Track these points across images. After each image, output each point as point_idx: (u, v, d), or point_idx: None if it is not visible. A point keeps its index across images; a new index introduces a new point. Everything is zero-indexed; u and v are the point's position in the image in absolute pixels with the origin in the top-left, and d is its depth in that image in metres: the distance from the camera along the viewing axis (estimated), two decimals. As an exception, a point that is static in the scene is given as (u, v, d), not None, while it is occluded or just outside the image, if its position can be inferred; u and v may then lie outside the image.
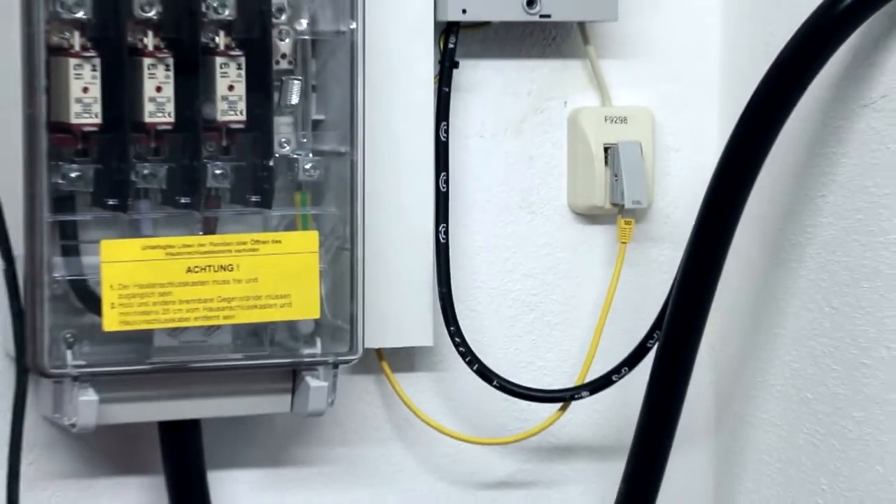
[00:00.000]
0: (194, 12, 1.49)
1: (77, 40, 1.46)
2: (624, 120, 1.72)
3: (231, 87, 1.49)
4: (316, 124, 1.57)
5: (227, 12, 1.48)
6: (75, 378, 1.46)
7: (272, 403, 1.58)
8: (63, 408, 1.48)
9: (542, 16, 1.63)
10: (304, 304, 1.53)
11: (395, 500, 1.73)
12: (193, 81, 1.49)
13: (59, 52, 1.45)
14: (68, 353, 1.45)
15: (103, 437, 1.58)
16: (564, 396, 1.69)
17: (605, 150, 1.70)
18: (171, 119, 1.47)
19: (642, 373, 1.65)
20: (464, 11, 1.60)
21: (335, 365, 1.55)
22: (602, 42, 1.73)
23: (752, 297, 1.76)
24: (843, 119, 1.59)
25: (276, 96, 1.53)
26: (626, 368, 1.68)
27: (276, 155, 1.52)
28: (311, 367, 1.54)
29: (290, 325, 1.56)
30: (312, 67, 1.57)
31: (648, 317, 1.68)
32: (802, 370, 1.70)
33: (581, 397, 1.69)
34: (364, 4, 1.52)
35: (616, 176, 1.69)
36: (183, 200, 1.50)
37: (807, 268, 1.68)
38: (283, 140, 1.54)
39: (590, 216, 1.75)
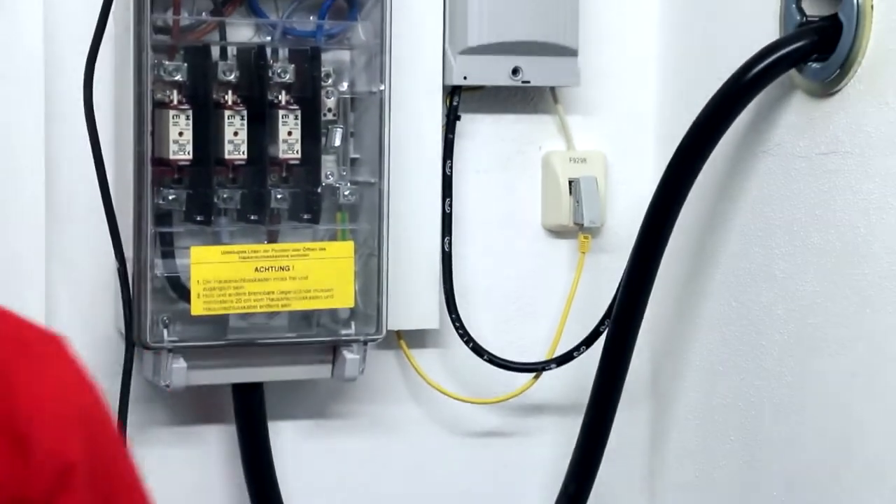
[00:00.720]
0: (263, 77, 1.52)
1: (175, 97, 1.49)
2: (584, 160, 1.73)
3: (290, 133, 1.52)
4: (353, 161, 1.58)
5: (287, 77, 1.51)
6: (169, 350, 1.50)
7: (317, 371, 1.61)
8: (160, 372, 1.51)
9: (523, 81, 1.65)
10: (342, 296, 1.55)
11: (408, 445, 1.73)
12: (261, 128, 1.52)
13: (161, 105, 1.48)
14: (165, 332, 1.49)
15: (190, 395, 1.60)
16: (537, 368, 1.70)
17: (570, 182, 1.70)
18: (245, 156, 1.51)
19: (596, 350, 1.66)
20: (465, 78, 1.63)
21: (365, 342, 1.58)
22: (568, 101, 1.74)
23: (678, 294, 1.76)
24: (746, 161, 1.63)
25: (323, 140, 1.55)
26: (584, 347, 1.70)
27: (323, 184, 1.55)
28: (347, 343, 1.57)
29: (332, 312, 1.58)
30: (351, 118, 1.59)
31: (601, 308, 1.69)
32: (715, 349, 1.72)
33: (550, 368, 1.70)
34: (390, 71, 1.55)
35: (577, 202, 1.70)
36: (252, 217, 1.53)
37: (719, 272, 1.71)
38: (329, 173, 1.55)
39: (557, 232, 1.74)
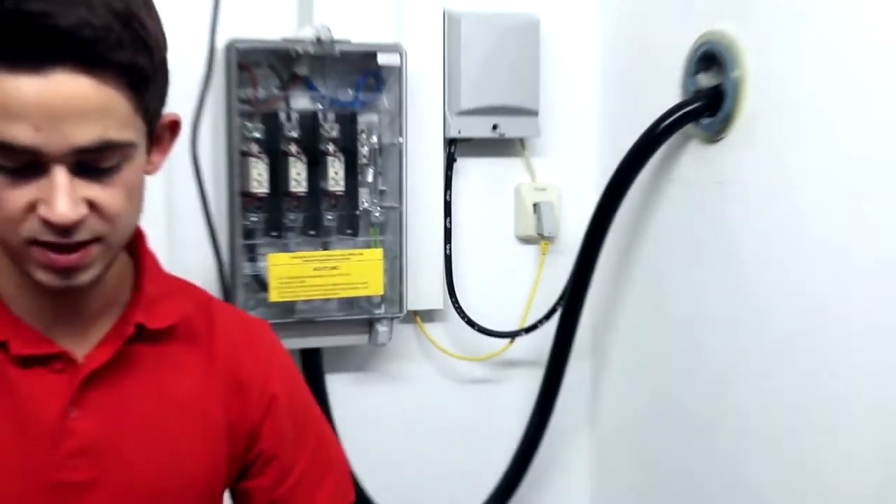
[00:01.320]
0: (316, 134, 1.56)
1: (255, 148, 1.53)
2: (544, 189, 1.75)
3: (336, 173, 1.56)
4: (381, 192, 1.62)
5: (333, 133, 1.56)
6: None
7: (357, 339, 1.65)
8: None
9: (500, 134, 1.68)
10: (375, 287, 1.61)
11: (420, 390, 1.74)
12: (316, 170, 1.57)
13: (245, 154, 1.53)
14: (251, 312, 1.50)
15: None
16: (512, 335, 1.74)
17: (534, 205, 1.73)
18: (305, 189, 1.55)
19: (553, 323, 1.71)
20: (459, 132, 1.66)
21: (391, 319, 1.63)
22: (532, 148, 1.76)
23: (610, 282, 1.77)
24: (659, 188, 1.66)
25: (359, 177, 1.59)
26: (545, 320, 1.74)
27: (360, 208, 1.60)
28: (379, 320, 1.62)
29: (368, 298, 1.62)
30: (379, 161, 1.62)
31: (556, 293, 1.73)
32: (636, 322, 1.75)
33: (521, 335, 1.75)
34: (406, 128, 1.59)
35: (539, 219, 1.73)
36: (311, 232, 1.58)
37: (639, 267, 1.73)
38: (363, 200, 1.60)
39: (525, 240, 1.77)
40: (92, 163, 0.87)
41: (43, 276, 0.91)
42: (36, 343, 0.98)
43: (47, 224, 0.86)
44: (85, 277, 0.93)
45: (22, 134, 0.83)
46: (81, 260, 0.90)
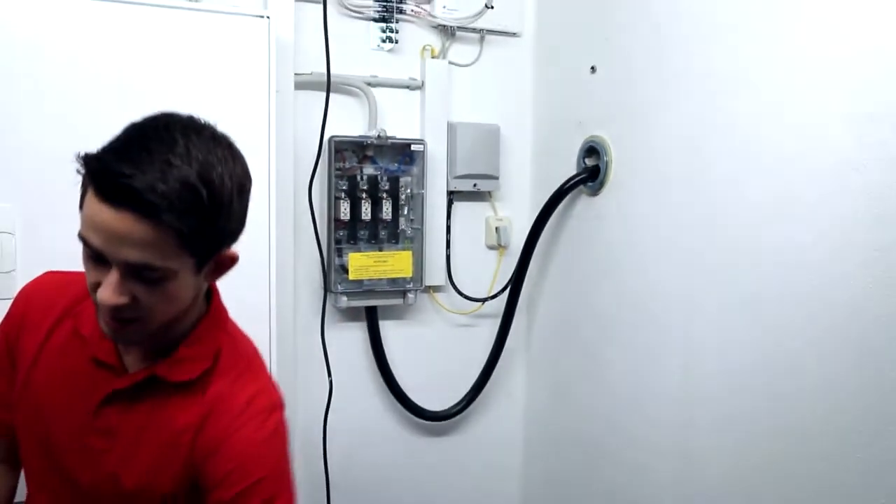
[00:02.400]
0: (376, 186, 1.57)
1: (343, 194, 1.54)
2: (501, 220, 1.75)
3: (386, 209, 1.58)
4: (411, 219, 1.61)
5: (386, 187, 1.58)
6: (340, 293, 1.57)
7: (397, 301, 1.64)
8: (337, 301, 1.57)
9: (477, 189, 1.70)
10: (407, 272, 1.62)
11: (432, 330, 1.71)
12: (376, 206, 1.57)
13: (337, 198, 1.54)
14: (339, 286, 1.56)
15: (348, 310, 1.61)
16: (483, 300, 1.73)
17: (496, 228, 1.74)
18: (369, 218, 1.57)
19: (506, 294, 1.69)
20: (455, 187, 1.67)
21: (416, 290, 1.64)
22: (495, 196, 1.75)
23: (536, 274, 1.73)
24: (564, 222, 1.65)
25: (399, 211, 1.60)
26: (501, 292, 1.72)
27: (399, 228, 1.61)
28: (409, 290, 1.64)
29: (403, 278, 1.61)
30: (411, 202, 1.61)
31: (507, 276, 1.70)
32: (550, 296, 1.72)
33: (488, 300, 1.74)
34: (426, 185, 1.62)
35: (499, 236, 1.73)
36: (372, 241, 1.59)
37: (554, 267, 1.70)
38: (401, 224, 1.61)
39: (491, 248, 1.76)
40: (138, 273, 0.76)
41: (104, 327, 0.80)
42: (106, 353, 0.86)
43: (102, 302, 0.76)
44: (126, 341, 0.83)
45: (96, 241, 0.74)
46: (121, 330, 0.79)
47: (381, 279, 1.61)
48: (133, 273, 0.76)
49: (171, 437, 0.85)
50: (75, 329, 0.87)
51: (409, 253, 1.63)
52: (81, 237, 0.76)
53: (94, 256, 0.76)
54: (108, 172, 0.72)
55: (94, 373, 0.86)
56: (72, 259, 1.07)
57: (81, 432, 0.86)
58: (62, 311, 0.89)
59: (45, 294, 0.92)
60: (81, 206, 0.77)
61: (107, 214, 0.73)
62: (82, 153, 0.75)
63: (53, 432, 0.87)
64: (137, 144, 0.74)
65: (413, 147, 1.60)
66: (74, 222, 1.09)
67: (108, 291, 0.75)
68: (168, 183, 0.72)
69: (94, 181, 0.74)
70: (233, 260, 0.85)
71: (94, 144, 1.15)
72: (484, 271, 1.77)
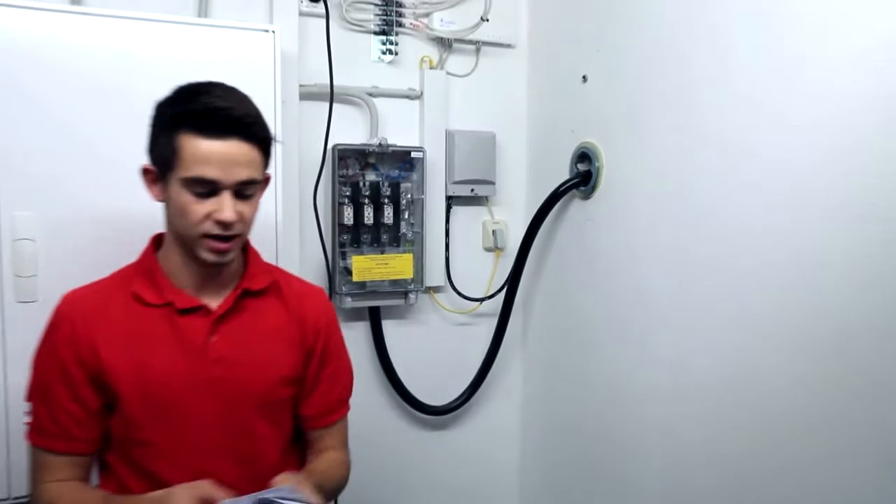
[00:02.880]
0: (378, 192, 1.56)
1: (346, 200, 1.54)
2: (497, 223, 1.75)
3: (388, 213, 1.57)
4: (412, 223, 1.61)
5: (388, 193, 1.57)
6: (345, 293, 1.56)
7: (399, 301, 1.64)
8: (342, 302, 1.55)
9: (475, 194, 1.69)
10: (408, 274, 1.61)
11: (432, 329, 1.71)
12: (378, 211, 1.56)
13: (341, 203, 1.54)
14: (343, 287, 1.56)
15: (353, 311, 1.59)
16: (481, 299, 1.73)
17: (493, 231, 1.73)
18: (371, 222, 1.56)
19: (503, 294, 1.69)
20: (453, 192, 1.67)
21: (417, 291, 1.63)
22: (491, 201, 1.75)
23: (531, 275, 1.72)
24: (559, 223, 1.64)
25: (400, 216, 1.59)
26: (498, 292, 1.71)
27: (400, 232, 1.60)
28: (410, 291, 1.63)
29: (404, 280, 1.60)
30: (411, 207, 1.61)
31: (503, 277, 1.70)
32: (545, 296, 1.71)
33: (485, 300, 1.73)
34: (426, 190, 1.61)
35: (496, 238, 1.73)
36: (375, 244, 1.58)
37: (548, 268, 1.70)
38: (402, 228, 1.60)
39: (488, 250, 1.75)
40: (242, 190, 0.92)
41: (208, 256, 0.93)
42: (188, 301, 0.97)
43: (219, 223, 0.90)
44: (227, 258, 0.96)
45: (210, 172, 0.88)
46: (225, 249, 0.93)
47: (383, 281, 1.61)
48: (238, 191, 0.91)
49: (277, 332, 1.02)
50: (139, 304, 0.97)
51: (410, 255, 1.63)
52: (191, 179, 0.89)
53: (200, 192, 0.90)
54: (213, 110, 0.88)
55: (180, 325, 0.97)
56: (88, 263, 1.13)
57: (199, 374, 0.96)
58: (110, 310, 0.97)
59: (80, 307, 0.97)
60: (159, 179, 0.93)
61: (217, 146, 0.88)
62: (176, 113, 0.90)
63: (174, 396, 0.95)
64: (212, 90, 0.91)
65: (413, 154, 1.61)
66: (90, 228, 1.14)
67: (228, 210, 0.90)
68: (251, 110, 0.92)
69: (200, 119, 0.88)
70: (268, 181, 1.00)
71: (109, 154, 1.18)
72: (481, 272, 1.78)
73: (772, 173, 1.12)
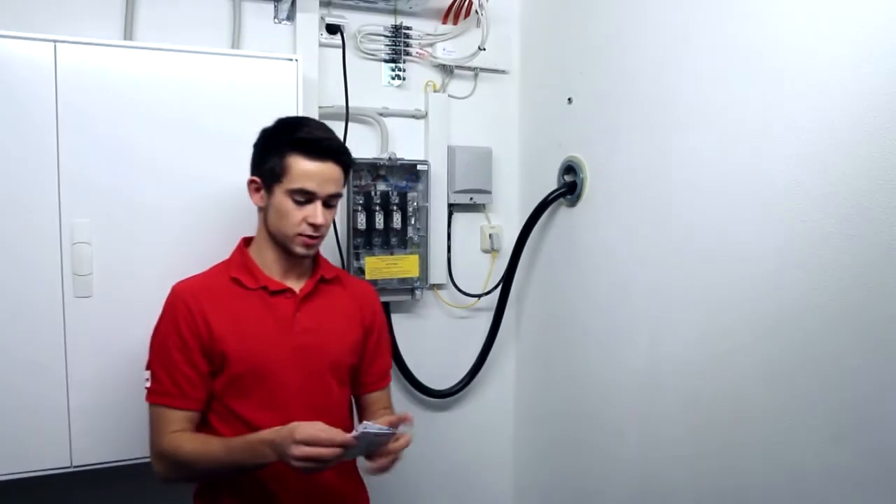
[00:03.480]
0: (388, 201, 1.59)
1: (360, 208, 1.57)
2: (494, 228, 1.76)
3: (397, 219, 1.60)
4: (418, 228, 1.63)
5: (397, 201, 1.60)
6: None
7: (406, 297, 1.67)
8: None
9: (473, 202, 1.71)
10: (414, 273, 1.63)
11: (434, 322, 1.72)
12: (388, 218, 1.59)
13: (354, 210, 1.56)
14: None
15: None
16: (479, 295, 1.74)
17: (489, 235, 1.75)
18: (382, 227, 1.58)
19: (498, 290, 1.70)
20: (454, 201, 1.68)
21: (422, 288, 1.66)
22: (488, 208, 1.76)
23: (524, 274, 1.74)
24: (546, 230, 1.65)
25: (408, 221, 1.62)
26: (495, 288, 1.72)
27: (408, 236, 1.62)
28: (416, 288, 1.66)
29: (411, 278, 1.62)
30: (418, 213, 1.63)
31: (499, 276, 1.71)
32: (537, 293, 1.72)
33: (483, 295, 1.74)
34: (430, 198, 1.64)
35: (492, 241, 1.75)
36: (385, 246, 1.60)
37: (538, 268, 1.71)
38: (409, 232, 1.61)
39: (485, 251, 1.77)
40: (329, 201, 1.08)
41: (301, 250, 1.08)
42: (279, 285, 1.11)
43: (311, 225, 1.06)
44: (313, 251, 1.11)
45: (311, 185, 1.05)
46: (312, 245, 1.09)
47: (392, 279, 1.64)
48: (326, 202, 1.07)
49: (344, 312, 1.15)
50: (239, 288, 1.09)
51: (416, 256, 1.65)
52: (296, 190, 1.04)
53: (301, 200, 1.04)
54: (316, 140, 1.04)
55: (272, 304, 1.09)
56: (136, 264, 1.26)
57: (289, 341, 1.08)
58: (215, 293, 1.09)
59: (191, 291, 1.09)
60: (263, 188, 1.07)
61: (318, 166, 1.04)
62: (287, 139, 1.05)
63: (270, 358, 1.06)
64: (310, 123, 1.08)
65: (419, 167, 1.64)
66: (137, 233, 1.23)
67: (320, 216, 1.05)
68: (341, 142, 1.09)
69: (309, 146, 1.03)
70: (341, 195, 1.15)
71: (152, 172, 1.26)
72: (479, 271, 1.80)
73: (738, 179, 1.13)
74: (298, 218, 1.06)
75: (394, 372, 1.71)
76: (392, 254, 1.63)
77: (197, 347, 1.07)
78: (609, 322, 1.46)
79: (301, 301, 1.12)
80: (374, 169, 1.61)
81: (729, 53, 1.15)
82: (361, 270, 1.61)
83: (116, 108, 1.23)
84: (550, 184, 1.64)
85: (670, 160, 1.29)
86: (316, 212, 1.06)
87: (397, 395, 1.74)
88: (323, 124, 1.10)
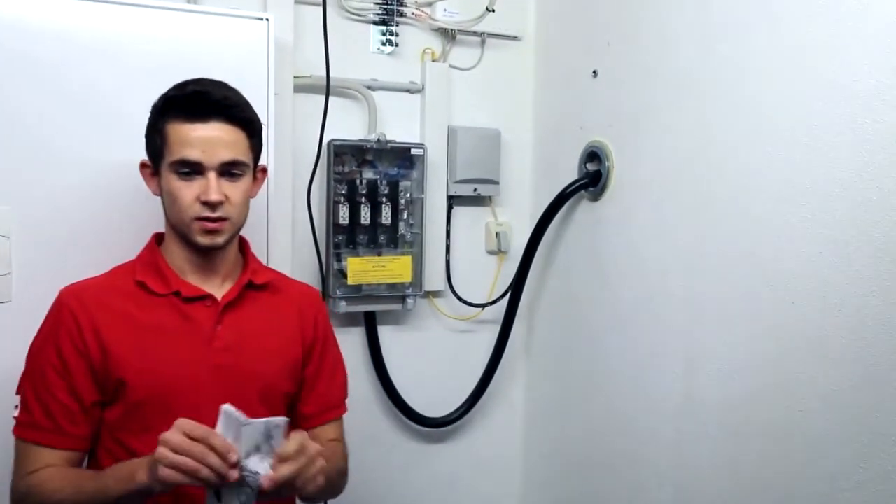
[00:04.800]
0: (376, 191, 1.56)
1: (342, 199, 1.54)
2: (501, 225, 1.75)
3: (386, 213, 1.57)
4: (410, 224, 1.61)
5: (386, 191, 1.57)
6: (339, 298, 1.55)
7: (396, 306, 1.64)
8: (336, 306, 1.55)
9: (477, 194, 1.70)
10: (406, 277, 1.60)
11: (431, 335, 1.71)
12: (375, 211, 1.57)
13: (336, 202, 1.54)
14: (338, 290, 1.55)
15: (347, 315, 1.58)
16: (483, 305, 1.72)
17: (496, 234, 1.73)
18: (368, 222, 1.56)
19: (506, 300, 1.69)
20: (455, 192, 1.67)
21: (415, 295, 1.63)
22: (495, 201, 1.75)
23: (537, 280, 1.72)
24: (565, 226, 1.65)
25: (399, 216, 1.59)
26: (501, 297, 1.71)
27: (399, 233, 1.60)
28: (408, 296, 1.63)
29: (402, 283, 1.60)
30: (410, 206, 1.61)
31: (507, 282, 1.69)
32: (550, 303, 1.72)
33: (487, 305, 1.73)
34: (426, 189, 1.61)
35: (499, 241, 1.73)
36: (371, 245, 1.58)
37: (553, 272, 1.70)
38: (401, 228, 1.60)
39: (491, 253, 1.75)
40: (230, 171, 0.98)
41: (201, 238, 0.99)
42: (195, 290, 1.03)
43: (205, 203, 0.96)
44: (219, 240, 1.00)
45: (194, 154, 0.95)
46: (220, 226, 0.99)
47: (379, 284, 1.61)
48: (223, 172, 0.97)
49: (279, 324, 1.08)
50: (145, 293, 1.02)
51: (409, 258, 1.63)
52: (177, 162, 0.96)
53: (187, 174, 0.96)
54: (194, 95, 0.95)
55: (187, 314, 1.02)
56: (66, 263, 1.14)
57: (206, 360, 1.00)
58: (114, 299, 1.01)
59: (80, 298, 0.99)
60: (155, 172, 1.00)
61: (200, 129, 0.95)
62: (159, 100, 0.98)
63: (180, 381, 0.99)
64: (196, 80, 0.99)
65: (413, 151, 1.61)
66: (70, 226, 1.14)
67: (213, 191, 0.96)
68: (231, 94, 0.99)
69: (183, 105, 0.95)
70: (264, 173, 1.10)
71: (92, 147, 1.20)
72: (484, 277, 1.78)
73: (796, 172, 1.11)
74: (190, 197, 0.98)
75: (379, 395, 1.69)
76: (380, 254, 1.60)
77: (82, 372, 0.97)
78: (637, 340, 1.44)
79: (223, 310, 1.04)
80: (360, 153, 1.58)
81: (783, 21, 1.12)
82: (343, 273, 1.58)
83: (39, 71, 1.16)
84: (570, 173, 1.62)
85: (713, 147, 1.26)
86: (208, 186, 0.96)
87: (383, 423, 1.71)
88: (219, 81, 1.00)
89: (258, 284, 1.09)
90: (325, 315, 1.18)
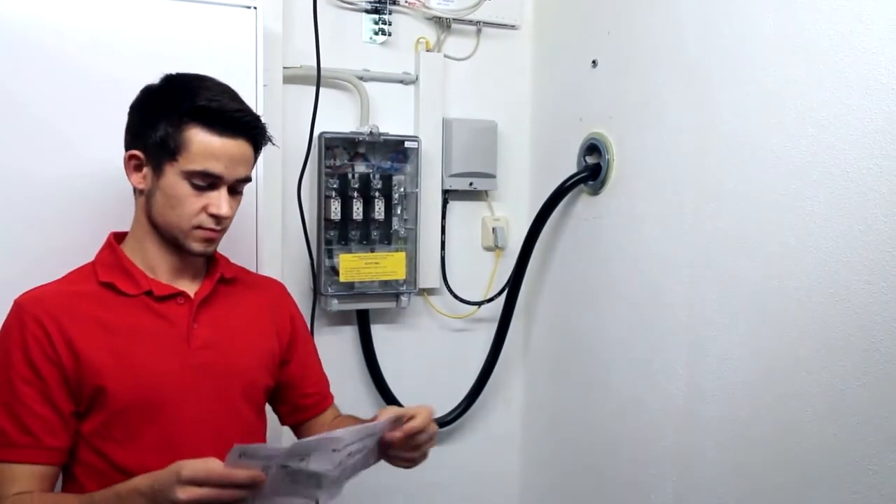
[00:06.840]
0: (368, 185, 1.57)
1: (333, 193, 1.54)
2: (498, 220, 1.76)
3: (379, 208, 1.58)
4: (405, 219, 1.62)
5: (379, 186, 1.58)
6: (331, 295, 1.56)
7: (390, 304, 1.64)
8: (328, 304, 1.56)
9: (473, 188, 1.70)
10: (400, 274, 1.61)
11: (425, 334, 1.71)
12: (368, 206, 1.57)
13: (327, 197, 1.54)
14: (329, 288, 1.56)
15: (339, 314, 1.59)
16: (479, 303, 1.74)
17: (493, 229, 1.74)
18: (361, 217, 1.56)
19: (503, 297, 1.70)
20: (450, 186, 1.67)
21: (409, 293, 1.64)
22: (492, 195, 1.75)
23: (535, 277, 1.73)
24: (564, 221, 1.65)
25: (392, 211, 1.60)
26: (497, 295, 1.73)
27: (392, 229, 1.61)
28: (402, 293, 1.63)
29: (396, 280, 1.61)
30: (404, 202, 1.61)
31: (504, 279, 1.72)
32: (549, 301, 1.72)
33: (483, 303, 1.74)
34: (420, 183, 1.61)
35: (496, 237, 1.74)
36: (364, 242, 1.59)
37: (552, 269, 1.71)
38: (394, 224, 1.61)
39: (488, 249, 1.76)
40: (236, 187, 1.00)
41: (198, 247, 0.99)
42: (167, 288, 1.02)
43: (213, 216, 0.98)
44: (213, 248, 1.03)
45: (217, 167, 0.96)
46: (212, 241, 1.01)
47: (372, 281, 1.62)
48: (233, 188, 1.00)
49: (253, 319, 1.09)
50: (114, 295, 1.00)
51: (403, 254, 1.63)
52: (197, 172, 0.96)
53: (202, 185, 0.97)
54: (226, 111, 0.96)
55: (161, 313, 1.01)
56: (43, 261, 1.09)
57: (186, 360, 1.00)
58: (81, 303, 0.98)
59: (44, 305, 0.96)
60: (161, 166, 0.97)
61: (229, 146, 0.97)
62: (188, 107, 0.96)
63: (162, 384, 0.98)
64: (221, 89, 0.99)
65: (406, 144, 1.61)
66: (40, 220, 1.15)
67: (225, 205, 0.99)
68: (253, 112, 1.01)
69: (216, 119, 0.95)
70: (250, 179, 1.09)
71: (74, 142, 1.18)
72: (480, 273, 1.78)
73: (800, 166, 1.11)
74: (197, 207, 0.98)
75: (372, 395, 1.69)
76: (373, 251, 1.61)
77: (56, 381, 0.94)
78: (638, 336, 1.45)
79: (198, 307, 1.04)
80: (352, 146, 1.58)
81: (791, 13, 1.12)
82: (335, 270, 1.58)
83: (21, 61, 1.16)
84: (569, 166, 1.62)
85: (717, 139, 1.26)
86: (220, 200, 0.98)
87: (377, 425, 1.70)
88: (227, 88, 1.00)
89: (228, 279, 1.10)
90: (295, 306, 1.20)
